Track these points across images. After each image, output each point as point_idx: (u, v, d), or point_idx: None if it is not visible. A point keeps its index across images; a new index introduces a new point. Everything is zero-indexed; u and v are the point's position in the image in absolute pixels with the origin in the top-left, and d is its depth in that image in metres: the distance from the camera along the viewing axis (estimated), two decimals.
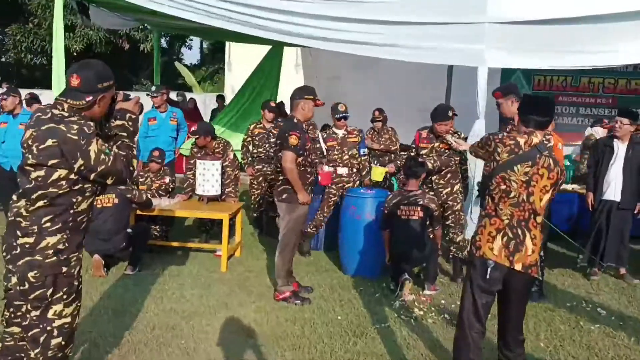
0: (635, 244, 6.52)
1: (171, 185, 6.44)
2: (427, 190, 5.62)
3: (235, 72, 20.99)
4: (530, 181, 2.99)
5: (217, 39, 17.06)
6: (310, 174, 4.92)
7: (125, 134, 2.86)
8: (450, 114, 5.59)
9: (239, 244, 6.44)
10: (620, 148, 5.85)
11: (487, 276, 2.99)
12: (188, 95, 15.29)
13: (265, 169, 7.19)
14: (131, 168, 2.84)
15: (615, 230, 5.88)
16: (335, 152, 6.46)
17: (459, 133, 5.78)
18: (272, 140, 7.23)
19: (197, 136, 6.34)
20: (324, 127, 7.65)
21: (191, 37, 29.17)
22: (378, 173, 6.21)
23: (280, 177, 4.85)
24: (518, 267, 3.02)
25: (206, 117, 13.14)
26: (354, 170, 6.50)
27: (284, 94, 11.86)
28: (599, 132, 8.26)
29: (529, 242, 3.02)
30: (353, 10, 6.79)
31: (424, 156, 5.71)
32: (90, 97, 2.69)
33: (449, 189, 5.74)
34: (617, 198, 5.81)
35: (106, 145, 2.71)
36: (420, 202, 5.38)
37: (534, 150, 3.03)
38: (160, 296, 5.01)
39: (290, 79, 12.29)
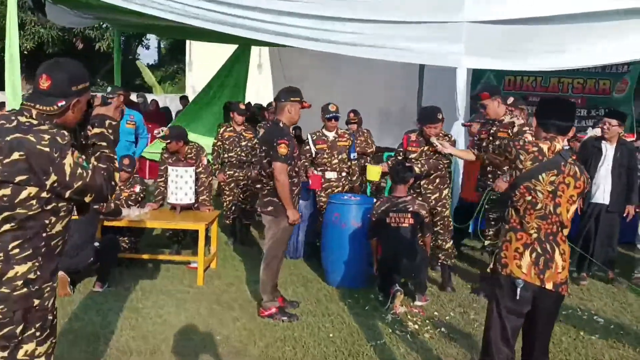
0: (621, 247, 6.42)
1: (141, 195, 6.01)
2: (415, 196, 5.37)
3: (196, 72, 20.52)
4: (557, 191, 2.75)
5: (183, 38, 16.45)
6: (297, 185, 4.59)
7: (104, 144, 2.48)
8: (440, 116, 5.34)
9: (215, 255, 6.06)
10: (608, 150, 5.72)
11: (517, 297, 2.73)
12: (149, 97, 14.71)
13: (237, 174, 6.84)
14: (113, 183, 2.46)
15: (603, 234, 5.75)
16: (325, 156, 6.18)
17: (449, 136, 5.55)
18: (244, 144, 6.88)
19: (169, 141, 5.94)
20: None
21: (148, 37, 28.45)
22: (374, 172, 5.84)
23: (266, 187, 4.52)
24: (549, 285, 2.77)
25: (171, 119, 12.63)
26: (343, 174, 6.22)
27: (246, 95, 11.53)
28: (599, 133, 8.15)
29: (558, 258, 2.77)
30: (333, 10, 6.54)
31: (412, 160, 5.47)
32: (63, 102, 2.31)
33: (438, 194, 5.51)
34: (606, 201, 5.69)
35: (83, 157, 2.33)
36: (411, 209, 5.12)
37: (557, 157, 2.79)
38: (134, 317, 4.61)
39: (253, 79, 11.95)
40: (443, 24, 6.90)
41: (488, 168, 5.16)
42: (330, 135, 6.27)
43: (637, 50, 6.90)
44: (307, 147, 6.26)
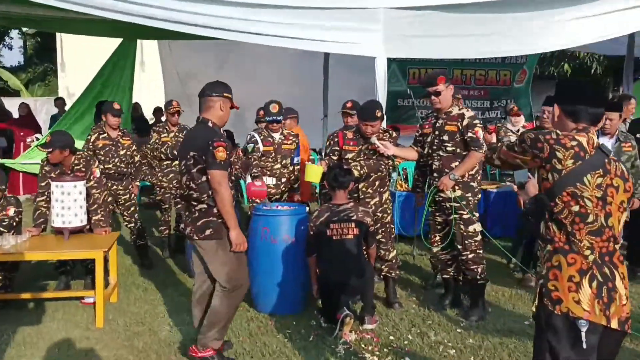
0: None
1: (17, 219, 4.83)
2: (357, 202, 4.67)
3: (70, 72, 18.59)
4: (606, 197, 2.14)
5: (60, 31, 14.45)
6: (234, 198, 3.71)
7: None
8: (379, 113, 4.67)
9: (115, 286, 5.00)
10: None
11: (583, 344, 2.07)
12: (17, 101, 12.96)
13: (116, 187, 5.81)
14: None
15: None
16: (269, 160, 5.36)
17: (390, 132, 4.90)
18: (122, 152, 5.83)
19: (50, 149, 4.79)
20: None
21: (11, 36, 25.75)
22: (315, 172, 4.83)
23: (197, 205, 3.60)
24: (614, 324, 2.14)
25: (45, 125, 11.14)
26: (283, 180, 5.42)
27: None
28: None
29: (620, 285, 2.15)
30: None
31: (350, 161, 4.77)
32: None
33: (378, 198, 4.85)
34: None
35: None
36: (354, 217, 4.41)
37: (599, 152, 2.19)
38: None
39: (136, 78, 10.79)
40: (359, 10, 6.33)
41: (435, 164, 4.58)
42: (277, 136, 5.44)
43: (553, 41, 6.75)
44: (257, 146, 5.45)
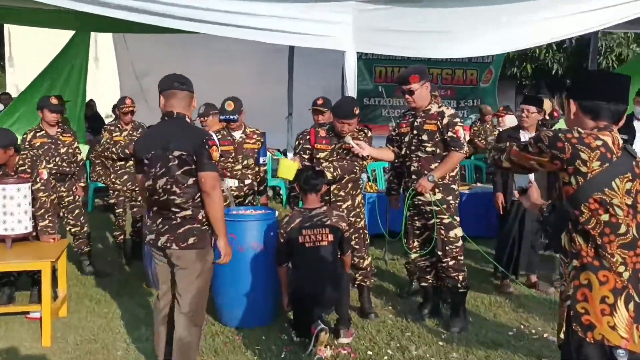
0: None
1: None
2: (330, 206, 4.35)
3: (19, 68, 17.70)
4: (636, 204, 1.87)
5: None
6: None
7: None
8: (357, 111, 4.35)
9: (65, 299, 4.55)
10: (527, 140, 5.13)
11: None
12: None
13: (58, 188, 5.37)
14: None
15: (528, 235, 5.17)
16: (229, 160, 4.92)
17: (365, 131, 4.59)
18: (64, 150, 5.38)
19: None
20: None
21: None
22: (289, 168, 4.32)
23: (180, 213, 3.19)
24: None
25: None
26: (247, 182, 5.03)
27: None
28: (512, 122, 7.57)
29: None
30: None
31: (321, 160, 4.44)
32: None
33: (350, 201, 4.54)
34: None
35: None
36: (328, 222, 4.09)
37: (625, 154, 1.92)
38: None
39: (90, 74, 10.24)
40: (328, 1, 6.03)
41: (413, 166, 4.30)
42: (237, 134, 5.03)
43: (525, 39, 6.58)
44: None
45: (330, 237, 4.04)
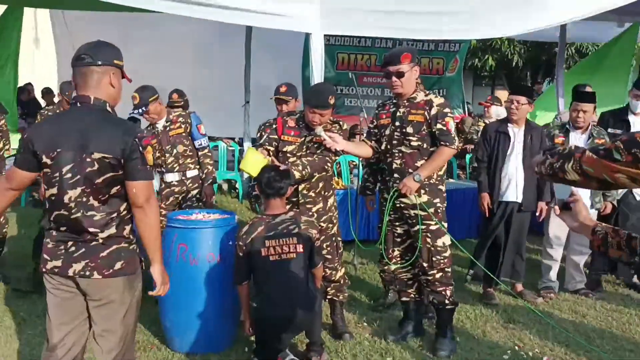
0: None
1: None
2: (298, 210, 3.71)
3: None
4: None
5: None
6: None
7: None
8: (332, 100, 3.71)
9: None
10: (517, 135, 4.61)
11: None
12: None
13: None
14: None
15: (513, 238, 4.67)
16: (157, 153, 4.47)
17: (340, 124, 3.94)
18: None
19: None
20: None
21: None
22: (254, 163, 3.58)
23: (100, 234, 2.46)
24: None
25: None
26: (190, 174, 4.44)
27: (21, 77, 8.82)
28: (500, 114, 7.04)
29: None
30: None
31: (288, 155, 3.79)
32: None
33: (322, 204, 3.90)
34: (519, 198, 4.59)
35: None
36: (295, 230, 3.43)
37: None
38: None
39: (28, 57, 9.32)
40: None
41: (395, 163, 3.71)
42: (160, 124, 4.46)
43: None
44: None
45: (299, 248, 3.40)
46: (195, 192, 4.56)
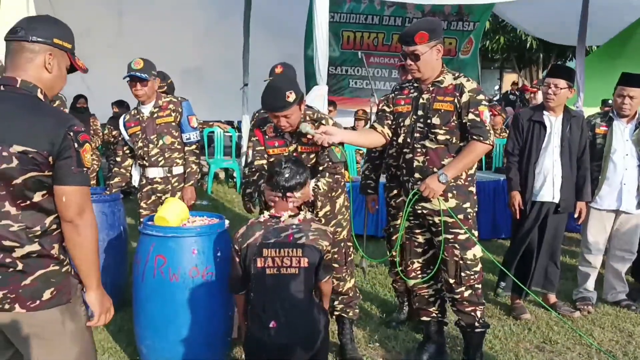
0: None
1: None
2: (311, 216, 3.06)
3: None
4: None
5: None
6: None
7: None
8: (289, 97, 2.93)
9: None
10: (554, 124, 3.98)
11: None
12: None
13: None
14: None
15: (548, 243, 4.06)
16: (140, 144, 3.92)
17: (322, 122, 3.22)
18: None
19: None
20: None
21: None
22: (178, 213, 3.17)
23: (20, 251, 1.86)
24: None
25: None
26: (176, 170, 3.99)
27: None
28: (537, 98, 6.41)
29: None
30: None
31: None
32: None
33: (329, 207, 3.28)
34: (556, 198, 3.96)
35: None
36: (302, 241, 2.79)
37: None
38: None
39: None
40: None
41: (417, 160, 3.08)
42: (146, 109, 3.86)
43: None
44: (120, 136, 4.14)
45: (304, 262, 2.76)
46: (180, 193, 3.96)
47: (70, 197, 1.85)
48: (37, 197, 1.85)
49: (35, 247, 1.87)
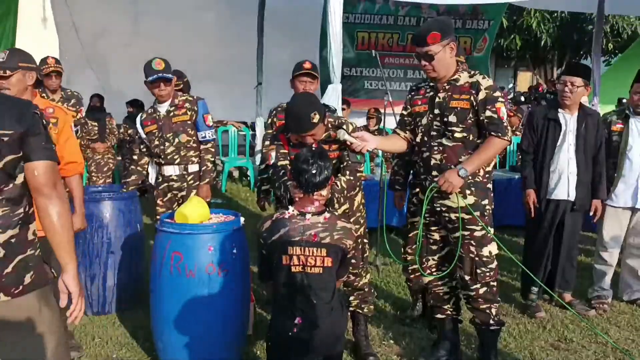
0: None
1: None
2: (337, 214, 3.05)
3: None
4: None
5: None
6: None
7: None
8: (315, 117, 2.94)
9: None
10: (569, 122, 3.96)
11: None
12: None
13: None
14: None
15: (564, 242, 4.04)
16: (157, 142, 3.95)
17: (351, 124, 3.24)
18: None
19: None
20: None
21: None
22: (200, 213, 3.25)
23: (1, 235, 1.88)
24: None
25: None
26: (192, 168, 4.01)
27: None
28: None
29: None
30: None
31: None
32: None
33: (347, 205, 3.30)
34: (572, 196, 3.94)
35: None
36: (327, 240, 2.77)
37: None
38: None
39: (36, 36, 8.84)
40: None
41: (434, 158, 3.08)
42: (163, 108, 3.88)
43: None
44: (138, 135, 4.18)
45: (328, 262, 2.74)
46: (196, 191, 3.98)
47: (42, 170, 1.90)
48: (19, 180, 1.90)
49: (15, 231, 1.90)
